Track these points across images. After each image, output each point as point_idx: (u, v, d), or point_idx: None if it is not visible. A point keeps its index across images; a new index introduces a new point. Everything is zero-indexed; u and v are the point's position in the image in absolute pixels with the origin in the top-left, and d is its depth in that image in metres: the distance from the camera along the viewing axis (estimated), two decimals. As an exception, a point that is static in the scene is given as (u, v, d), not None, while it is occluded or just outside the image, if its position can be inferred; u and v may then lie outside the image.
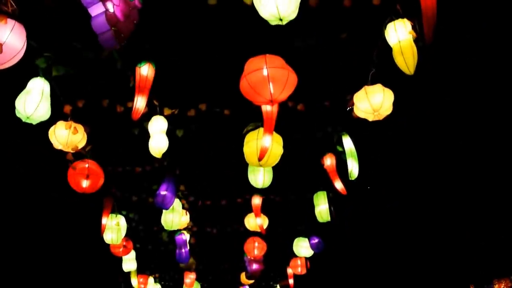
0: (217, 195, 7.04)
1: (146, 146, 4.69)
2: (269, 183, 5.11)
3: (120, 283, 9.28)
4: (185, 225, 6.66)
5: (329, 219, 6.49)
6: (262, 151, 3.87)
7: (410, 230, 7.18)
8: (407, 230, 7.19)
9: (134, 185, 6.47)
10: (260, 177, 5.07)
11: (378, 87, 4.11)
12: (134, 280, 9.09)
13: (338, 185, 5.61)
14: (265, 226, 7.03)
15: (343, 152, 5.18)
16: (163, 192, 5.26)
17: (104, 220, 5.94)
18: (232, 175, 5.95)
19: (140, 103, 3.55)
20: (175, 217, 5.99)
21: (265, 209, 6.96)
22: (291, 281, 10.29)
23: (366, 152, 5.36)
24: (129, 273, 8.79)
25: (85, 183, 4.83)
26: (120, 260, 8.07)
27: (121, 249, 7.29)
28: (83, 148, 4.62)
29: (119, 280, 9.24)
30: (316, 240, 7.86)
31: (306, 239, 8.12)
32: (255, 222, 6.94)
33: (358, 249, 7.63)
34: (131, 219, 7.19)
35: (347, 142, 5.18)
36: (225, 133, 5.00)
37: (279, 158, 4.29)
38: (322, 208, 6.51)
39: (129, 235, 7.29)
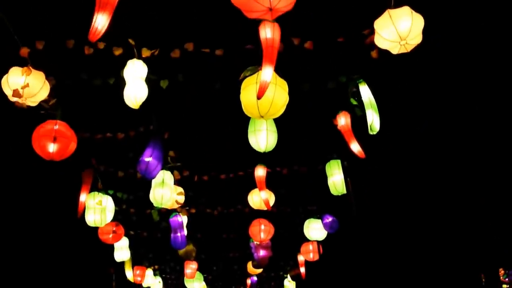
0: (215, 168, 6.18)
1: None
2: (273, 146, 4.34)
3: (111, 275, 8.39)
4: (179, 204, 5.79)
5: (344, 191, 5.64)
6: (262, 87, 3.05)
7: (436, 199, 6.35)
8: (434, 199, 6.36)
9: (118, 157, 5.63)
10: (262, 138, 4.29)
11: (406, 9, 3.31)
12: (128, 272, 8.21)
13: (355, 147, 4.75)
14: (271, 203, 6.18)
15: (361, 104, 4.33)
16: (147, 159, 4.44)
17: (83, 197, 5.12)
18: (230, 134, 5.08)
19: (100, 21, 2.74)
20: (165, 192, 5.14)
21: (271, 185, 6.12)
22: (302, 270, 9.47)
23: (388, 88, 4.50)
24: (122, 264, 7.97)
25: (52, 147, 4.02)
26: (111, 249, 7.25)
27: (110, 235, 6.50)
28: (46, 101, 3.83)
29: (110, 271, 8.36)
30: (329, 219, 6.99)
31: (319, 220, 7.24)
32: (259, 198, 6.10)
33: (378, 229, 6.77)
34: (120, 200, 6.35)
35: (365, 92, 4.33)
36: (217, 79, 4.15)
37: (284, 107, 3.49)
38: (336, 179, 5.65)
39: (119, 219, 6.53)
